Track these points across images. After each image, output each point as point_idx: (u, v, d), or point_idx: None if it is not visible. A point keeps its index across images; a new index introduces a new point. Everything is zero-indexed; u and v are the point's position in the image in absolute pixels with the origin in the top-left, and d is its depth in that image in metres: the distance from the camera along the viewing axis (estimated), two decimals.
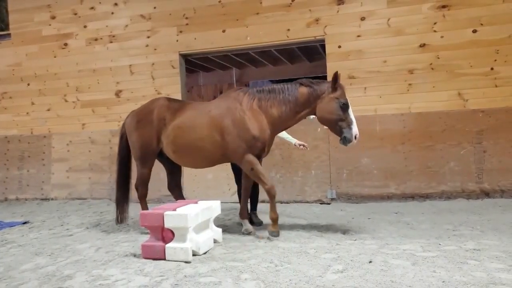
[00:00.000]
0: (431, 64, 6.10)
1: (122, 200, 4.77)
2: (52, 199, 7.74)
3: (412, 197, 6.01)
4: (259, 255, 3.53)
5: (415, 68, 6.15)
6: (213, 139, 4.15)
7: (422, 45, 6.12)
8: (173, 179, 4.89)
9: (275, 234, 4.06)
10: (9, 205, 7.60)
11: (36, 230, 5.14)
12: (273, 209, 4.04)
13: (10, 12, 8.22)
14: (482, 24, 5.88)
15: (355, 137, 3.89)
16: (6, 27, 8.35)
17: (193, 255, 3.55)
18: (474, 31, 5.91)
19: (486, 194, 5.79)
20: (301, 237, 4.15)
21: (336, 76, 3.91)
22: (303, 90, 4.05)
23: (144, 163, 4.55)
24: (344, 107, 3.91)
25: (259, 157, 4.20)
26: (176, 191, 4.89)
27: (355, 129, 3.89)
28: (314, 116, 4.34)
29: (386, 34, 6.26)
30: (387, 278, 2.85)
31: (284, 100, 4.05)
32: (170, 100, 4.61)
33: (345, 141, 3.91)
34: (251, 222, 4.67)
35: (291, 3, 6.62)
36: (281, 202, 6.36)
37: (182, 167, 4.93)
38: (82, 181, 7.64)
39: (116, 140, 6.03)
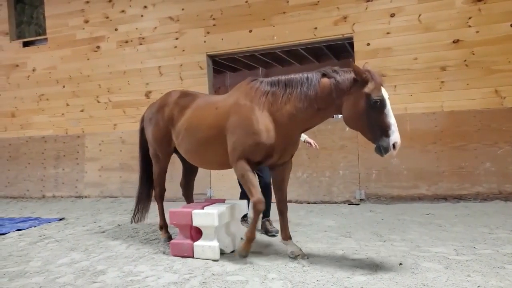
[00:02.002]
0: (465, 60, 5.87)
1: (143, 198, 4.48)
2: (85, 197, 8.03)
3: (445, 198, 5.82)
4: (286, 256, 3.52)
5: (448, 65, 5.94)
6: (221, 139, 3.52)
7: (456, 41, 5.91)
8: (187, 177, 4.53)
9: (243, 255, 3.44)
10: (46, 202, 7.95)
11: (71, 226, 5.35)
12: (252, 227, 3.38)
13: (46, 17, 8.58)
14: None
15: (394, 146, 2.89)
16: (43, 32, 8.72)
17: (221, 253, 3.58)
18: None
19: None
20: (329, 237, 4.11)
21: (353, 67, 3.00)
22: (325, 82, 3.12)
23: (157, 161, 4.24)
24: (379, 105, 2.88)
25: (261, 163, 3.46)
26: (186, 190, 4.55)
27: (395, 136, 2.87)
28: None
29: (417, 30, 6.08)
30: (418, 281, 2.78)
31: (301, 95, 3.18)
32: (182, 94, 4.10)
33: (381, 150, 2.93)
34: (266, 232, 4.37)
35: (318, 1, 6.55)
36: (308, 203, 6.32)
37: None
38: (113, 179, 7.89)
39: None
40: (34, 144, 8.60)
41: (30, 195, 8.49)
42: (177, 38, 7.47)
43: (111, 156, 7.93)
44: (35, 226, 5.35)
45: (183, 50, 7.42)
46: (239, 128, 3.34)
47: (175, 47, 7.47)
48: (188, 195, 4.54)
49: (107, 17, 8.03)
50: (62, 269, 3.43)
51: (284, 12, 6.74)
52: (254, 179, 3.38)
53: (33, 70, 8.65)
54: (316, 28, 6.56)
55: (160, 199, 4.35)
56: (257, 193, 3.31)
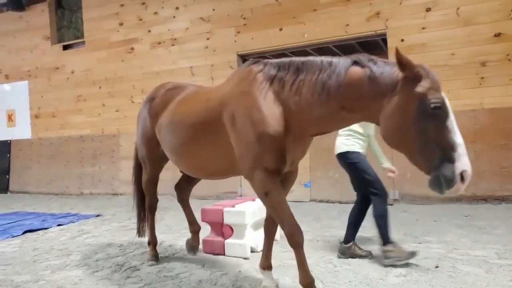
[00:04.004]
0: (508, 55, 5.58)
1: (139, 208, 3.82)
2: (120, 194, 8.29)
3: (485, 199, 5.55)
4: (317, 255, 3.48)
5: (488, 60, 5.66)
6: (213, 140, 2.66)
7: (497, 35, 5.62)
8: (186, 180, 3.74)
9: None
10: (84, 199, 8.29)
11: (107, 222, 5.54)
12: (302, 268, 2.45)
13: (84, 21, 8.94)
14: None
15: (463, 177, 1.88)
16: (81, 35, 9.09)
17: (251, 251, 3.59)
18: None
19: None
20: (362, 238, 4.02)
21: (397, 54, 1.97)
22: (356, 72, 2.16)
23: (145, 167, 3.58)
24: (439, 113, 1.92)
25: (279, 173, 2.48)
26: (182, 193, 3.75)
27: (462, 161, 1.89)
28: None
29: (454, 24, 5.84)
30: (456, 285, 2.67)
31: (317, 85, 2.26)
32: (173, 86, 3.36)
33: (441, 183, 1.91)
34: (353, 255, 3.38)
35: None
36: (340, 202, 6.21)
37: None
38: None
39: None
40: (72, 143, 8.99)
41: (69, 192, 8.88)
42: (208, 39, 7.56)
43: None
44: (74, 222, 5.60)
45: (214, 50, 7.50)
46: (239, 123, 2.45)
47: (206, 47, 7.56)
48: (183, 199, 3.76)
49: (141, 19, 8.25)
50: (99, 263, 3.56)
51: (315, 10, 6.66)
52: (285, 200, 2.47)
53: (72, 72, 9.04)
54: (348, 24, 6.44)
55: (151, 211, 3.65)
56: (290, 219, 2.40)
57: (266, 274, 2.80)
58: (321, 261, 3.30)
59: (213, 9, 7.50)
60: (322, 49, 8.46)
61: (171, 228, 4.89)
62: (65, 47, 9.28)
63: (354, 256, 3.34)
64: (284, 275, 3.02)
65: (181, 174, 3.65)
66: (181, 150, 2.92)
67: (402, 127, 2.00)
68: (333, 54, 9.16)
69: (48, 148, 9.28)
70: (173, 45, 7.92)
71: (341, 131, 3.47)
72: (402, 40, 6.11)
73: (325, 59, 2.33)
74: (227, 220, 3.62)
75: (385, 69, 2.10)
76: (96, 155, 8.71)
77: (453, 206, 5.50)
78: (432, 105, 1.91)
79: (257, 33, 7.11)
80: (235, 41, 7.31)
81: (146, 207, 3.67)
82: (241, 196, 7.01)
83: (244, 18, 7.23)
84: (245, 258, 3.49)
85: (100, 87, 8.71)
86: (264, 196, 2.42)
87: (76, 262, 3.63)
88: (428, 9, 5.99)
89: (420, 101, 1.94)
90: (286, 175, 2.69)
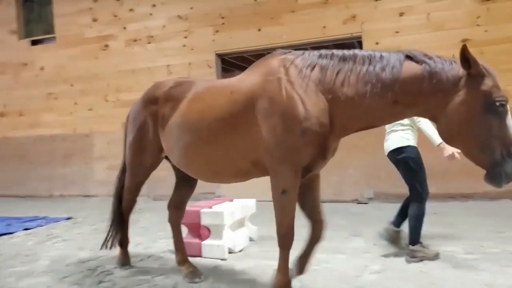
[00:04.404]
0: None
1: (118, 219, 3.41)
2: (94, 196, 8.06)
3: (453, 197, 5.78)
4: (295, 254, 3.50)
5: None
6: (238, 137, 2.47)
7: (464, 41, 5.84)
8: (181, 193, 3.32)
9: None
10: (54, 201, 8.00)
11: (79, 225, 5.37)
12: (284, 269, 2.48)
13: (55, 16, 8.64)
14: None
15: None
16: (52, 31, 8.78)
17: (229, 252, 3.57)
18: None
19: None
20: (339, 236, 4.09)
21: (464, 51, 2.01)
22: (413, 67, 2.15)
23: (135, 174, 3.23)
24: (502, 111, 2.01)
25: (310, 169, 2.42)
26: (176, 211, 3.30)
27: None
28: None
29: (426, 29, 6.03)
30: (427, 280, 2.78)
31: (371, 76, 2.19)
32: (175, 84, 2.99)
33: (501, 177, 2.00)
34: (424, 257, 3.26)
35: (327, 0, 6.52)
36: None
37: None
38: None
39: None
40: (42, 143, 8.66)
41: (38, 194, 8.54)
42: (185, 37, 7.48)
43: (120, 155, 7.92)
44: (42, 225, 5.37)
45: (192, 49, 7.43)
46: (276, 113, 2.27)
47: (184, 45, 7.48)
48: (177, 218, 3.31)
49: (116, 16, 8.06)
50: (70, 269, 3.44)
51: (293, 11, 6.71)
52: (295, 204, 2.41)
53: (41, 69, 8.71)
54: (325, 27, 6.53)
55: (128, 211, 3.41)
56: (291, 221, 2.40)
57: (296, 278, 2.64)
58: None
59: (191, 8, 7.42)
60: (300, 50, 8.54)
61: (147, 230, 4.80)
62: (34, 42, 8.93)
63: (424, 257, 3.22)
64: (262, 275, 3.02)
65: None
66: (196, 152, 2.67)
67: (467, 124, 2.03)
68: None
69: (15, 148, 8.89)
70: (149, 42, 7.78)
71: (395, 126, 3.43)
72: (377, 43, 6.24)
73: (373, 52, 2.28)
74: (204, 221, 3.59)
75: (444, 65, 2.11)
76: (67, 155, 8.42)
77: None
78: (497, 103, 1.97)
79: (236, 33, 7.09)
80: (213, 40, 7.26)
81: (123, 208, 3.37)
82: (219, 197, 6.97)
83: (222, 18, 7.19)
84: (222, 259, 3.46)
85: (72, 85, 8.44)
86: (281, 193, 2.34)
87: (44, 268, 3.48)
88: (401, 14, 6.15)
89: (485, 98, 1.99)
90: (314, 179, 2.62)
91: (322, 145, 2.29)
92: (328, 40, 6.69)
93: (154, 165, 3.17)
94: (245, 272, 3.14)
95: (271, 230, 4.37)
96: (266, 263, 3.30)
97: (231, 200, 4.05)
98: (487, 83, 2.02)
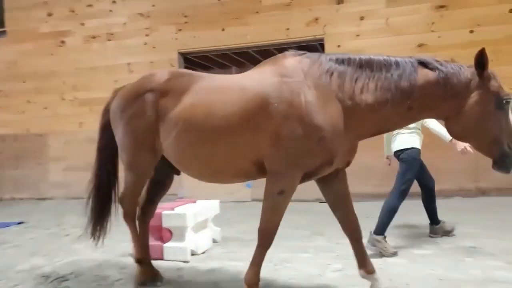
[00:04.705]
0: None
1: (97, 217, 3.09)
2: (49, 198, 7.67)
3: (410, 194, 5.99)
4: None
5: None
6: (247, 136, 2.40)
7: (420, 45, 6.12)
8: (153, 193, 3.12)
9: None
10: (3, 205, 7.53)
11: (32, 230, 5.08)
12: (256, 267, 2.47)
13: (6, 9, 8.15)
14: (479, 25, 5.89)
15: None
16: (1, 24, 8.27)
17: (192, 254, 3.52)
18: (471, 32, 5.92)
19: (483, 192, 5.81)
20: (301, 236, 4.14)
21: (483, 54, 2.19)
22: (428, 74, 2.27)
23: (137, 175, 2.88)
24: (507, 107, 2.27)
25: (313, 175, 2.48)
26: (146, 211, 3.08)
27: None
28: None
29: (385, 34, 6.26)
30: (385, 276, 2.85)
31: (391, 83, 2.28)
32: (174, 75, 2.77)
33: (510, 165, 2.25)
34: (445, 233, 3.93)
35: (290, 2, 6.60)
36: None
37: (172, 179, 3.23)
38: (80, 180, 7.54)
39: None
40: None
41: None
42: (147, 35, 7.31)
43: (77, 156, 7.61)
44: None
45: (154, 47, 7.27)
46: (293, 119, 2.27)
47: (146, 43, 7.31)
48: (145, 219, 3.09)
49: (73, 11, 7.73)
50: (21, 276, 3.24)
51: (257, 12, 6.74)
52: (287, 206, 2.47)
53: None
54: (288, 28, 6.61)
55: (133, 220, 3.00)
56: (277, 221, 2.44)
57: (373, 278, 2.58)
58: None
59: (153, 5, 7.26)
60: (265, 52, 8.59)
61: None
62: None
63: (445, 233, 3.90)
64: (226, 276, 2.99)
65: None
66: (199, 149, 2.53)
67: (482, 121, 2.23)
68: None
69: None
70: (109, 40, 7.53)
71: (401, 129, 3.68)
72: (339, 46, 6.40)
73: (388, 57, 2.34)
74: (166, 223, 3.51)
75: (455, 70, 2.26)
76: (19, 156, 7.95)
77: (381, 202, 5.84)
78: (505, 101, 2.21)
79: (199, 32, 7.01)
80: (176, 39, 7.15)
81: (125, 215, 2.96)
82: (181, 198, 6.85)
83: (185, 16, 7.09)
84: (185, 262, 3.40)
85: (24, 82, 7.99)
86: (278, 193, 2.37)
87: None
88: (362, 18, 6.35)
89: (496, 97, 2.21)
90: (339, 175, 2.65)
91: (333, 153, 2.32)
92: (292, 42, 6.77)
93: (155, 162, 2.83)
94: (208, 274, 3.09)
95: (234, 231, 4.38)
96: (230, 264, 3.28)
97: (194, 202, 3.99)
98: (495, 84, 2.23)
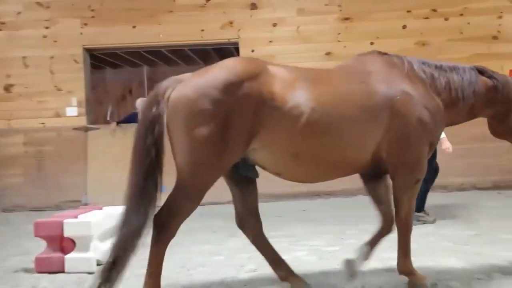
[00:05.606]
0: None
1: (127, 243, 2.29)
2: None
3: (318, 194, 6.37)
4: (171, 261, 3.39)
5: None
6: (370, 128, 2.45)
7: (328, 53, 6.57)
8: (247, 204, 2.85)
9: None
10: None
11: None
12: (406, 252, 2.67)
13: None
14: (378, 37, 6.53)
15: None
16: None
17: (98, 265, 3.27)
18: (372, 43, 6.53)
19: None
20: (216, 238, 4.13)
21: None
22: (487, 81, 2.75)
23: (210, 174, 2.43)
24: None
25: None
26: (251, 223, 2.85)
27: None
28: None
29: (296, 41, 6.58)
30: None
31: (463, 85, 2.66)
32: (264, 67, 2.38)
33: None
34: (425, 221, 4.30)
35: (205, 4, 6.58)
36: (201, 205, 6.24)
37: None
38: None
39: (4, 141, 5.31)
40: None
41: None
42: (47, 27, 6.66)
43: None
44: None
45: (55, 41, 6.65)
46: (431, 123, 2.52)
47: (45, 36, 6.65)
48: (258, 228, 2.89)
49: None
50: None
51: (171, 11, 6.58)
52: None
53: None
54: (203, 30, 6.58)
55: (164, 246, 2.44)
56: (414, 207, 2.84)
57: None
58: (175, 267, 3.24)
59: None
60: (178, 52, 8.43)
61: None
62: None
63: (426, 222, 4.18)
64: (137, 285, 2.85)
65: None
66: (319, 147, 2.40)
67: None
68: (189, 57, 9.24)
69: None
70: (0, 30, 6.68)
71: None
72: (253, 51, 6.55)
73: (452, 63, 2.76)
74: (68, 232, 3.23)
75: (507, 78, 2.84)
76: None
77: (292, 202, 6.15)
78: None
79: (108, 28, 6.61)
80: (81, 34, 6.63)
81: (161, 241, 2.39)
82: (86, 205, 6.35)
83: (92, 10, 6.62)
84: (90, 273, 3.15)
85: None
86: (416, 182, 2.60)
87: None
88: (274, 25, 6.60)
89: None
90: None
91: (436, 142, 2.80)
92: (206, 43, 6.77)
93: (230, 165, 2.45)
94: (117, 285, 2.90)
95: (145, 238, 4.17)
96: (141, 272, 3.11)
97: (101, 208, 3.73)
98: None
